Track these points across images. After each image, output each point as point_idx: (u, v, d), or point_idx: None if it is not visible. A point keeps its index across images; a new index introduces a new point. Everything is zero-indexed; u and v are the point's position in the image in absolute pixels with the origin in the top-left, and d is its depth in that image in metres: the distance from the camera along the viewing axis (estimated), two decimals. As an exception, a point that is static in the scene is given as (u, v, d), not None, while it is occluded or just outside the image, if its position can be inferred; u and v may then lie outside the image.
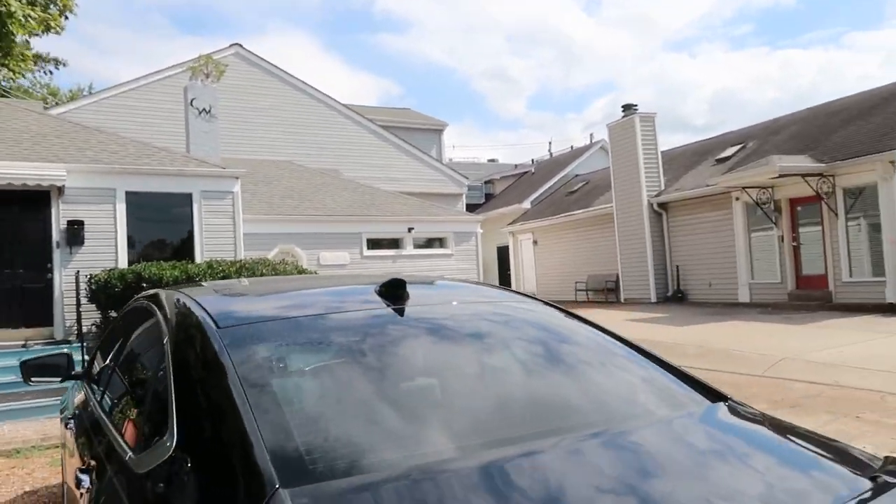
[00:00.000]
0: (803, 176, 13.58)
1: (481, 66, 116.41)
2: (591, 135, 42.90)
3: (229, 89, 19.41)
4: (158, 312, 2.40)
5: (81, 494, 2.22)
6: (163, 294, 2.65)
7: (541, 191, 27.43)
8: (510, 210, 27.44)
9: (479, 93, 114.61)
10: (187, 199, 11.45)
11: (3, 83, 9.27)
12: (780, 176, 13.66)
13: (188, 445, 1.59)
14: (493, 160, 42.08)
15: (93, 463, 2.29)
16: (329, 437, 1.65)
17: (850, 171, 13.26)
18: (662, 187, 19.38)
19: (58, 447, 5.51)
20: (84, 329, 9.92)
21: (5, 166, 9.89)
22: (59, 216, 10.42)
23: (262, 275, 9.47)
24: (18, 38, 7.72)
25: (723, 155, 18.62)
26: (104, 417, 2.53)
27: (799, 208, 14.97)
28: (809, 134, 16.07)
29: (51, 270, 10.26)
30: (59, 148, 11.03)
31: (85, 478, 2.21)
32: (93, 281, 9.84)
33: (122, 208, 10.90)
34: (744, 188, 15.26)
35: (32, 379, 3.32)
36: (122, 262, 10.68)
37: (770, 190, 14.88)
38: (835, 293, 13.81)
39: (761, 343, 10.61)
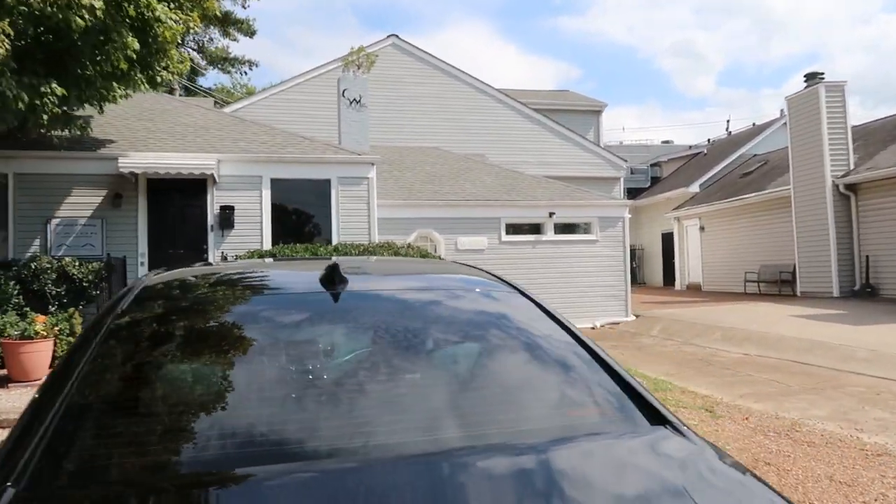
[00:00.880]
0: None
1: (665, 43, 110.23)
2: (782, 110, 38.81)
3: (384, 79, 20.13)
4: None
5: None
6: (147, 274, 2.71)
7: (712, 173, 25.38)
8: (676, 194, 25.72)
9: (664, 71, 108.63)
10: (326, 184, 12.01)
11: (170, 85, 10.23)
12: None
13: None
14: (667, 142, 39.79)
15: None
16: (111, 435, 1.52)
17: None
18: (851, 167, 17.02)
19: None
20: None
21: (172, 157, 11.03)
22: (214, 202, 11.43)
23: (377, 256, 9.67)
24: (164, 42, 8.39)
25: (927, 127, 15.91)
26: None
27: None
28: None
29: (206, 251, 11.29)
30: (216, 140, 12.08)
31: None
32: (239, 260, 10.67)
33: (267, 194, 11.70)
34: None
35: None
36: (267, 244, 11.48)
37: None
38: None
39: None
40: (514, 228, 15.06)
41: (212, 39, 41.32)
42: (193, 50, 41.64)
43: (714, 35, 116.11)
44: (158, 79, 9.90)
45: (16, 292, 8.91)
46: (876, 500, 4.29)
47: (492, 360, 2.01)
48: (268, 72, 76.49)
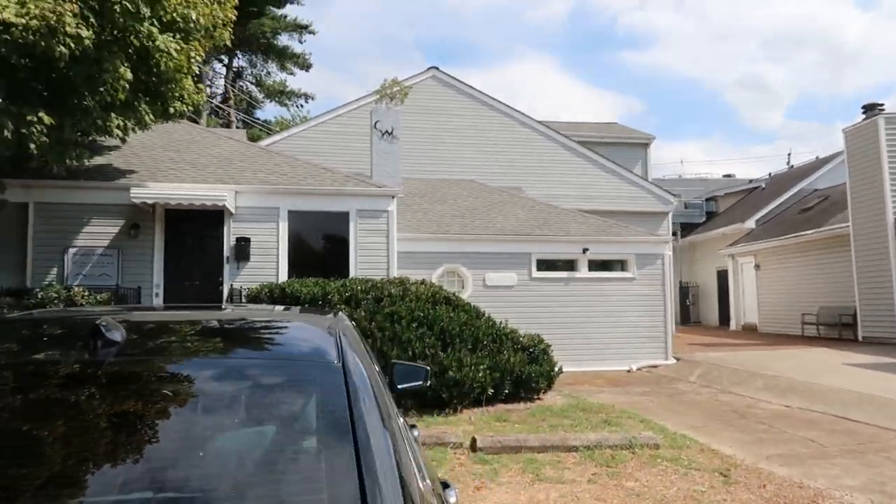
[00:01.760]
0: None
1: (732, 76, 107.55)
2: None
3: (423, 111, 19.98)
4: None
5: None
6: None
7: (769, 208, 24.11)
8: (731, 230, 24.52)
9: (730, 104, 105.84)
10: (344, 217, 11.76)
11: (180, 117, 10.24)
12: None
13: None
14: (729, 175, 38.31)
15: None
16: None
17: None
18: (916, 202, 15.72)
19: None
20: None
21: (189, 188, 11.00)
22: (230, 233, 11.31)
23: (380, 297, 9.26)
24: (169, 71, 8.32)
25: None
26: None
27: None
28: None
29: (221, 283, 11.16)
30: (236, 171, 12.03)
31: None
32: (246, 295, 10.47)
33: (284, 226, 11.52)
34: None
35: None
36: (283, 277, 11.25)
37: None
38: None
39: None
40: (545, 264, 14.44)
41: (269, 73, 42.68)
42: (252, 84, 43.06)
43: (783, 67, 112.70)
44: (171, 110, 9.89)
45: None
46: None
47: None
48: (331, 104, 78.38)
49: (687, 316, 27.07)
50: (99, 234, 10.88)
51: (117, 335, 1.81)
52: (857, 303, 16.87)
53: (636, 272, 14.62)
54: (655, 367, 14.25)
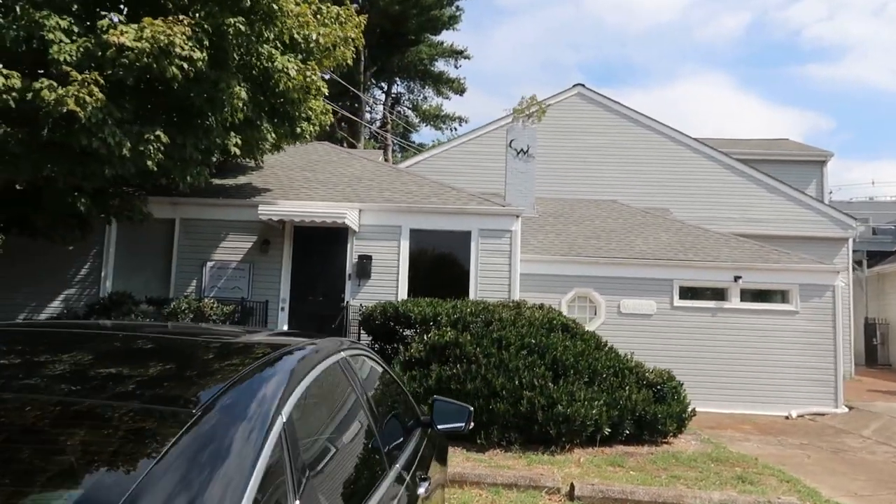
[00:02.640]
0: None
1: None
2: None
3: (567, 129, 19.30)
4: None
5: None
6: None
7: (980, 235, 20.47)
8: (929, 260, 21.11)
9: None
10: (466, 236, 11.42)
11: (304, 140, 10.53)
12: None
13: None
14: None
15: None
16: None
17: None
18: None
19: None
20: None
21: (315, 206, 11.26)
22: (353, 251, 11.40)
23: (489, 320, 8.73)
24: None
25: None
26: None
27: None
28: None
29: (343, 300, 11.24)
30: (363, 189, 12.15)
31: None
32: (362, 313, 10.43)
33: (405, 245, 11.41)
34: None
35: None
36: (402, 295, 11.11)
37: None
38: None
39: None
40: (690, 292, 13.12)
41: (425, 98, 43.97)
42: (409, 109, 44.61)
43: None
44: (298, 129, 10.15)
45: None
46: None
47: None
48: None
49: (873, 357, 23.61)
50: (234, 249, 11.42)
51: None
52: None
53: (799, 304, 12.84)
54: (821, 415, 12.35)
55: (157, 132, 7.13)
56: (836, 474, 8.12)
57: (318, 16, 9.28)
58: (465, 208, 11.47)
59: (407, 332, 9.83)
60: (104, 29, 6.55)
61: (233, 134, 8.22)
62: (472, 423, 3.75)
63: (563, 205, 16.49)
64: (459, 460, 7.39)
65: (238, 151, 8.52)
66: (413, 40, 39.85)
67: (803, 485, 7.17)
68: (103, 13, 7.64)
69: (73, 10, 7.17)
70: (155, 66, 6.52)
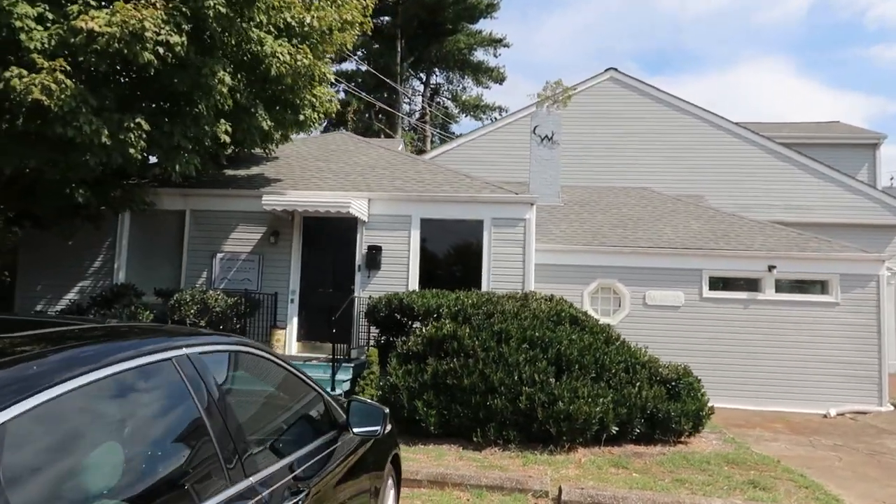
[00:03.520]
0: None
1: None
2: None
3: (599, 115, 18.66)
4: None
5: None
6: None
7: None
8: None
9: None
10: (478, 226, 11.02)
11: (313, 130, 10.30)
12: None
13: None
14: None
15: None
16: None
17: None
18: None
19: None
20: (362, 348, 10.35)
21: (323, 195, 11.01)
22: (362, 241, 11.13)
23: (491, 313, 8.33)
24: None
25: None
26: None
27: None
28: None
29: (352, 291, 10.99)
30: (373, 179, 11.86)
31: None
32: (368, 304, 10.17)
33: (416, 235, 11.08)
34: None
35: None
36: (413, 287, 10.81)
37: None
38: None
39: None
40: (720, 283, 12.41)
41: (465, 88, 43.45)
42: (448, 100, 44.14)
43: None
44: (301, 117, 9.93)
45: (148, 321, 9.38)
46: None
47: None
48: (530, 119, 77.93)
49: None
50: (244, 240, 11.30)
51: None
52: None
53: (840, 295, 11.99)
54: (863, 413, 11.52)
55: (138, 119, 6.97)
56: (868, 479, 7.45)
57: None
58: (478, 196, 11.06)
59: (416, 325, 9.53)
60: (75, 15, 6.42)
61: (222, 121, 8.01)
62: (390, 426, 3.40)
63: (590, 193, 15.89)
64: (451, 459, 7.05)
65: (227, 139, 8.30)
66: (450, 30, 39.39)
67: (824, 491, 6.57)
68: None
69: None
70: (126, 51, 6.35)
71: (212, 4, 6.83)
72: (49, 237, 10.81)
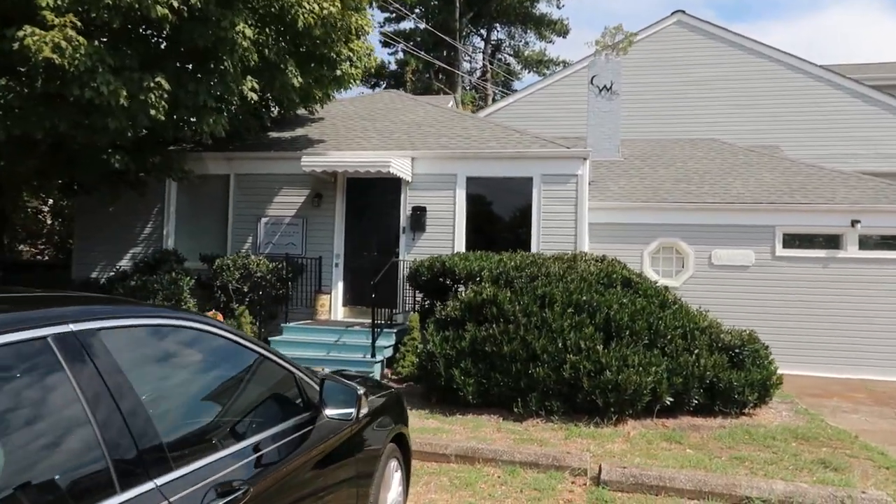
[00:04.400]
0: None
1: None
2: None
3: (665, 62, 17.48)
4: None
5: None
6: None
7: None
8: None
9: None
10: (527, 183, 10.41)
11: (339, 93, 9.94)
12: None
13: None
14: None
15: None
16: None
17: None
18: None
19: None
20: (408, 313, 10.04)
21: (365, 155, 10.63)
22: (406, 202, 10.73)
23: (535, 275, 7.79)
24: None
25: None
26: None
27: None
28: None
29: (397, 254, 10.64)
30: (418, 137, 11.38)
31: None
32: (411, 268, 9.81)
33: (461, 194, 10.59)
34: None
35: None
36: (459, 249, 10.38)
37: None
38: None
39: None
40: (796, 240, 11.41)
41: (527, 44, 41.98)
42: (510, 56, 42.79)
43: None
44: (338, 72, 9.53)
45: (189, 287, 9.32)
46: None
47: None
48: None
49: None
50: (288, 203, 11.09)
51: None
52: None
53: (934, 253, 10.81)
54: (959, 382, 10.43)
55: (158, 79, 6.72)
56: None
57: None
58: (525, 152, 10.42)
59: (460, 289, 9.12)
60: (84, -33, 6.16)
61: (249, 78, 7.68)
62: (365, 409, 2.98)
63: (654, 146, 14.92)
64: (489, 430, 6.66)
65: (255, 97, 7.97)
66: (511, -19, 37.94)
67: (880, 451, 5.84)
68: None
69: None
70: (138, 5, 6.06)
71: (226, -50, 6.47)
72: (101, 206, 10.91)
